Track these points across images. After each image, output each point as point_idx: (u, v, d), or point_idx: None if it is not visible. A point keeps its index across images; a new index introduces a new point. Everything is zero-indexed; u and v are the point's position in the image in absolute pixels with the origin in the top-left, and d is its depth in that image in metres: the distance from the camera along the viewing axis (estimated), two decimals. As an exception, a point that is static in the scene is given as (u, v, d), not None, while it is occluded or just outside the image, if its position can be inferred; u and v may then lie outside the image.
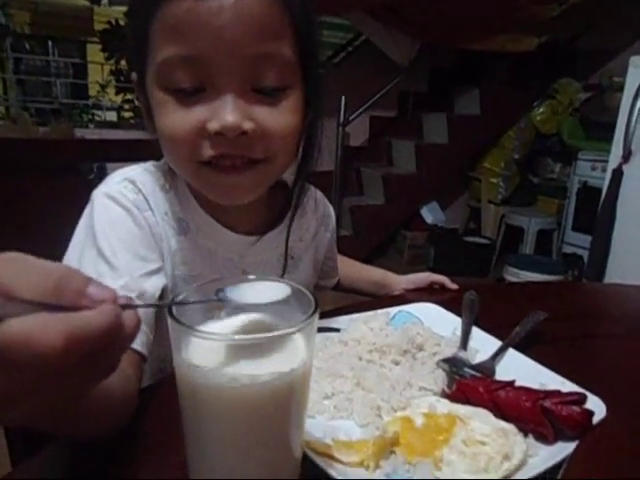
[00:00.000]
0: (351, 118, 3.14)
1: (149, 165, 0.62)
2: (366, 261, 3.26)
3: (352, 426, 0.47)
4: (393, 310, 0.69)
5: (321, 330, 0.62)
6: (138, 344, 0.48)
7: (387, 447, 0.42)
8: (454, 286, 0.85)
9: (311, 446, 0.41)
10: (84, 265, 0.51)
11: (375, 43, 3.19)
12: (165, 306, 0.32)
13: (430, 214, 3.67)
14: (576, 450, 0.41)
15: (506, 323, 0.66)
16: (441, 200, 3.78)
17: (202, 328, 0.35)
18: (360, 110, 3.20)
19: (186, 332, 0.31)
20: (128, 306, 0.29)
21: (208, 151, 0.50)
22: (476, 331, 0.65)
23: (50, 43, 4.47)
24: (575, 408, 0.44)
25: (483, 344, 0.62)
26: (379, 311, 0.66)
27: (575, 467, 0.38)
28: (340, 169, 3.18)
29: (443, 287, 0.85)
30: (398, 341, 0.58)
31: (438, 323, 0.67)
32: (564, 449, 0.43)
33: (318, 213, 0.76)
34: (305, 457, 0.40)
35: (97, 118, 3.85)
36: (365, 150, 3.87)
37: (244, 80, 0.49)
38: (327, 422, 0.48)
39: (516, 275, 2.80)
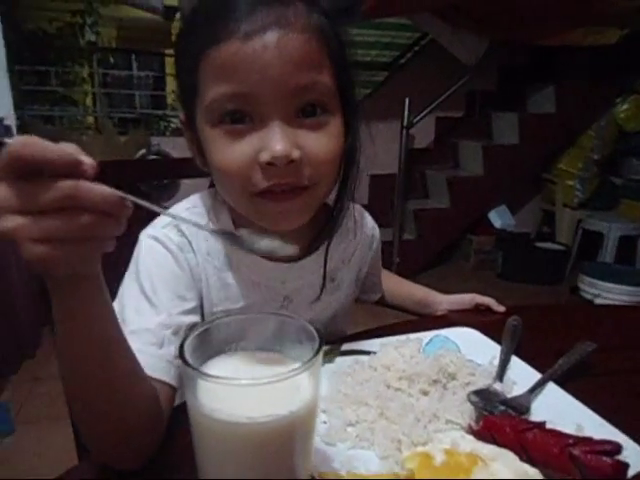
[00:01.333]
0: (415, 120, 3.09)
1: (192, 205, 0.65)
2: (430, 266, 3.17)
3: (372, 457, 0.48)
4: (429, 334, 0.68)
5: (352, 353, 0.63)
6: (171, 377, 0.51)
7: (400, 484, 0.42)
8: (501, 308, 0.82)
9: (323, 477, 0.42)
10: (125, 300, 0.55)
11: (441, 43, 3.11)
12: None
13: (499, 218, 3.52)
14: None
15: (551, 352, 0.63)
16: (511, 203, 3.61)
17: (212, 364, 0.37)
18: (425, 111, 3.13)
19: (192, 373, 0.33)
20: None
21: (260, 182, 0.53)
22: (515, 361, 0.62)
23: (133, 56, 4.80)
24: (606, 459, 0.41)
25: (522, 375, 0.59)
26: (412, 336, 0.65)
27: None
28: (404, 172, 3.14)
29: (489, 309, 0.82)
30: (428, 370, 0.57)
31: (476, 350, 0.65)
32: (593, 501, 0.41)
33: (362, 234, 0.76)
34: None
35: (172, 125, 4.10)
36: (430, 152, 3.78)
37: (289, 109, 0.52)
38: (347, 451, 0.48)
39: (592, 285, 2.61)
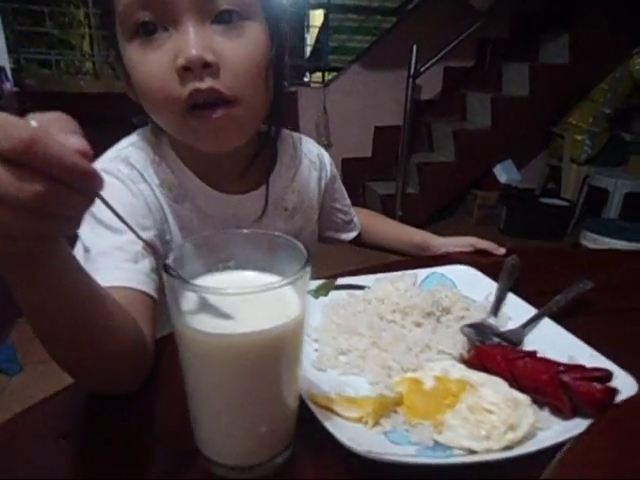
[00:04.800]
0: (423, 69, 2.98)
1: (137, 140, 0.65)
2: (433, 221, 3.15)
3: (362, 383, 0.48)
4: (426, 271, 0.67)
5: (346, 287, 0.63)
6: (152, 289, 0.53)
7: (389, 406, 0.43)
8: (501, 251, 0.81)
9: (313, 399, 0.42)
10: (85, 234, 0.53)
11: (452, -14, 2.96)
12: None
13: (504, 173, 3.47)
14: (589, 427, 0.38)
15: (549, 291, 0.62)
16: (517, 158, 3.55)
17: (198, 281, 0.36)
18: (433, 60, 3.02)
19: (180, 286, 0.32)
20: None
21: (180, 91, 0.52)
22: (511, 297, 0.62)
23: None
24: (596, 385, 0.41)
25: (517, 311, 0.59)
26: (407, 272, 0.64)
27: (580, 446, 0.36)
28: (409, 124, 3.06)
29: (488, 252, 0.81)
30: (422, 303, 0.57)
31: (472, 287, 0.64)
32: (580, 426, 0.41)
33: (305, 159, 0.76)
34: (307, 409, 0.41)
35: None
36: (437, 104, 3.68)
37: (202, 14, 0.51)
38: (338, 377, 0.48)
39: (595, 241, 2.59)
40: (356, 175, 3.53)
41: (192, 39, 0.50)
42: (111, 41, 0.56)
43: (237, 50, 0.53)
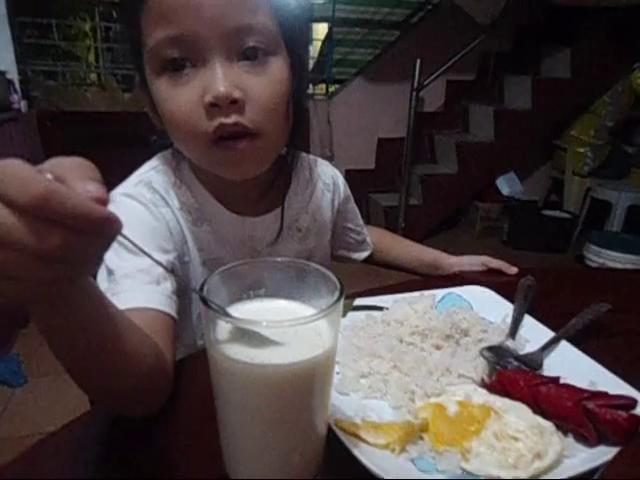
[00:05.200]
0: (426, 82, 3.01)
1: (158, 164, 0.66)
2: (435, 232, 3.16)
3: (385, 407, 0.48)
4: (442, 292, 0.68)
5: (364, 308, 0.63)
6: (173, 310, 0.54)
7: (415, 432, 0.43)
8: (513, 270, 0.81)
9: (339, 425, 0.43)
10: (109, 257, 0.54)
11: (454, 1, 3.00)
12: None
13: (507, 185, 3.48)
14: (616, 456, 0.39)
15: (564, 313, 0.63)
16: (520, 170, 3.56)
17: (231, 310, 0.36)
18: (436, 73, 3.04)
19: (218, 317, 0.32)
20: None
21: (207, 125, 0.53)
22: (528, 320, 0.62)
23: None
24: (621, 413, 0.41)
25: (534, 334, 0.59)
26: (425, 293, 0.65)
27: (611, 474, 0.36)
28: (412, 136, 3.08)
29: (501, 272, 0.82)
30: (441, 325, 0.57)
31: (488, 308, 0.65)
32: (605, 453, 0.41)
33: (320, 182, 0.77)
34: (333, 435, 0.41)
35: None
36: (440, 116, 3.71)
37: (229, 51, 0.53)
38: (360, 401, 0.49)
39: (598, 254, 2.61)
40: (359, 187, 3.54)
41: (220, 77, 0.52)
42: (137, 62, 0.58)
43: (262, 87, 0.54)
